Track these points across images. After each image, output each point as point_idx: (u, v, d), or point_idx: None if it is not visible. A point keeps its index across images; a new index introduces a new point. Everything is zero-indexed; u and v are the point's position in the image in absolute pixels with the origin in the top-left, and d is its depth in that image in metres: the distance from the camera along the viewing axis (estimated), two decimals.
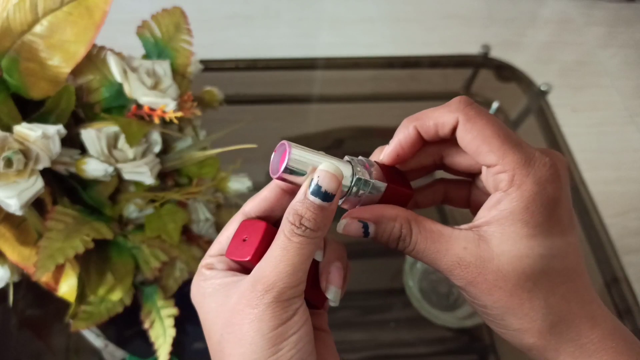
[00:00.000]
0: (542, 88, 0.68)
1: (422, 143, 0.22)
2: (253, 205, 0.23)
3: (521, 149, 0.19)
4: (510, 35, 1.43)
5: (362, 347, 0.48)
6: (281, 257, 0.19)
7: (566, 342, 0.19)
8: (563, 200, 0.19)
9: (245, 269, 0.22)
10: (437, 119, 0.21)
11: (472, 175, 0.24)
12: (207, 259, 0.23)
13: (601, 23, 1.49)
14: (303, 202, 0.19)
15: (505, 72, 0.72)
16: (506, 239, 0.19)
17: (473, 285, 0.19)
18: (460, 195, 0.25)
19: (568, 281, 0.19)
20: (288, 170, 0.20)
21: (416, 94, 0.73)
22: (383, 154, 0.23)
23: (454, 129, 0.20)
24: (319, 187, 0.19)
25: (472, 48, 0.74)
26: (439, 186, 0.25)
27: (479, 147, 0.20)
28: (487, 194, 0.21)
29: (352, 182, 0.21)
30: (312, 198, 0.19)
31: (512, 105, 0.70)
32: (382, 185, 0.22)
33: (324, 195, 0.19)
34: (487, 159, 0.19)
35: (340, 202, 0.22)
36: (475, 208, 0.24)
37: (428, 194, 0.25)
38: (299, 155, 0.20)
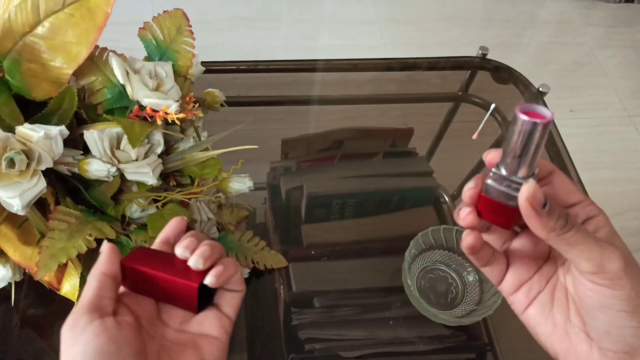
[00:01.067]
0: (540, 89, 0.68)
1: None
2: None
3: None
4: (509, 36, 1.43)
5: (361, 345, 0.48)
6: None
7: None
8: None
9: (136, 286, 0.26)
10: (542, 164, 0.25)
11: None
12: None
13: (599, 24, 1.49)
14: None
15: (503, 73, 0.72)
16: (616, 246, 0.23)
17: (631, 266, 0.22)
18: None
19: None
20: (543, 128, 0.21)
21: (415, 95, 0.74)
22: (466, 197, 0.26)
23: (548, 174, 0.26)
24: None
25: (470, 50, 0.74)
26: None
27: (571, 188, 0.25)
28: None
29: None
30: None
31: (510, 106, 0.70)
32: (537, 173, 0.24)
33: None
34: (576, 196, 0.25)
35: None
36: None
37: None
38: (546, 134, 0.22)
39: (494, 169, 0.23)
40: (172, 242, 0.28)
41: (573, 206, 0.25)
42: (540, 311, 0.26)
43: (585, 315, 0.24)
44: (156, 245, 0.28)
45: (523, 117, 0.21)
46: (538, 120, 0.21)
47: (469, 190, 0.25)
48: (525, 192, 0.22)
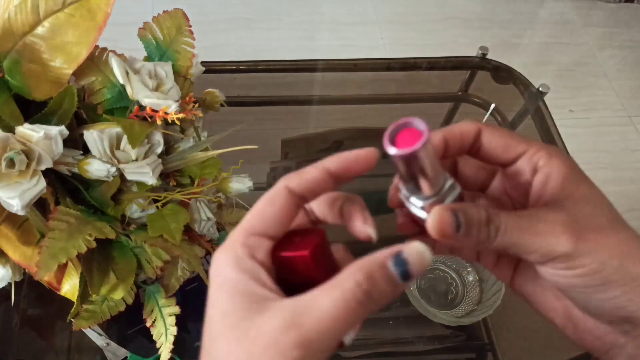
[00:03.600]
0: (540, 89, 0.68)
1: (444, 153, 0.22)
2: (299, 185, 0.20)
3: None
4: (508, 36, 1.43)
5: (361, 345, 0.48)
6: (330, 315, 0.16)
7: None
8: None
9: (287, 274, 0.19)
10: (461, 127, 0.22)
11: (478, 189, 0.25)
12: (247, 237, 0.19)
13: (599, 24, 1.49)
14: (382, 271, 0.17)
15: (503, 73, 0.72)
16: (576, 198, 0.20)
17: (580, 240, 0.19)
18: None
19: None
20: (417, 156, 0.18)
21: (414, 95, 0.74)
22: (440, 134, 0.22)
23: (476, 135, 0.22)
24: (406, 267, 0.17)
25: (470, 50, 0.74)
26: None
27: (506, 142, 0.22)
28: (502, 197, 0.23)
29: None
30: (392, 270, 0.17)
31: (510, 106, 0.70)
32: (458, 188, 0.21)
33: (406, 277, 0.17)
34: (518, 148, 0.22)
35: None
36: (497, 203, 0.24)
37: None
38: (427, 154, 0.18)
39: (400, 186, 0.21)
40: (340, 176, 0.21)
41: (516, 161, 0.22)
42: (524, 279, 0.24)
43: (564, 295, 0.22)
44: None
45: (391, 149, 0.18)
46: (405, 151, 0.18)
47: (391, 194, 0.22)
48: (430, 225, 0.19)
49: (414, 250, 0.17)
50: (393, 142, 0.19)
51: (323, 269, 0.19)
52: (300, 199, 0.20)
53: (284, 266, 0.19)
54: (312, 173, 0.20)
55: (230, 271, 0.18)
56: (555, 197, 0.20)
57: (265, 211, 0.19)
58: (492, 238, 0.19)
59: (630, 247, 0.19)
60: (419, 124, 0.18)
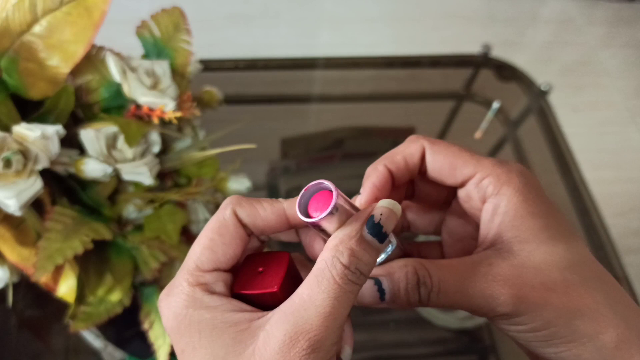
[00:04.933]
0: (543, 88, 0.68)
1: (392, 182, 0.20)
2: (248, 216, 0.18)
3: (488, 157, 0.19)
4: (511, 35, 1.43)
5: (362, 348, 0.48)
6: (331, 307, 0.15)
7: None
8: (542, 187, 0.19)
9: (254, 303, 0.18)
10: (404, 152, 0.20)
11: (442, 205, 0.23)
12: (198, 274, 0.17)
13: (602, 23, 1.48)
14: (359, 242, 0.16)
15: (506, 71, 0.72)
16: (526, 239, 0.18)
17: (522, 300, 0.17)
18: (427, 222, 0.23)
19: (590, 259, 0.19)
20: (331, 213, 0.16)
21: (416, 93, 0.73)
22: (359, 201, 0.21)
23: (422, 157, 0.20)
24: (379, 226, 0.16)
25: (472, 48, 0.74)
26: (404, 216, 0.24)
27: (452, 163, 0.19)
28: (463, 216, 0.21)
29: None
30: (369, 238, 0.16)
31: (513, 105, 0.70)
32: (399, 247, 0.19)
33: (382, 236, 0.16)
34: (464, 171, 0.19)
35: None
36: (450, 233, 0.23)
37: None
38: (342, 200, 0.17)
39: None
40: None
41: (465, 184, 0.20)
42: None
43: None
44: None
45: (303, 218, 0.17)
46: (314, 217, 0.17)
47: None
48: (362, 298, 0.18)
49: (383, 208, 0.17)
50: (306, 208, 0.17)
51: (292, 292, 0.17)
52: (249, 232, 0.18)
53: (248, 301, 0.17)
54: (266, 210, 0.18)
55: (200, 313, 0.16)
56: (503, 237, 0.18)
57: (216, 244, 0.17)
58: (425, 300, 0.18)
59: (583, 303, 0.17)
60: (328, 185, 0.17)
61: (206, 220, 0.41)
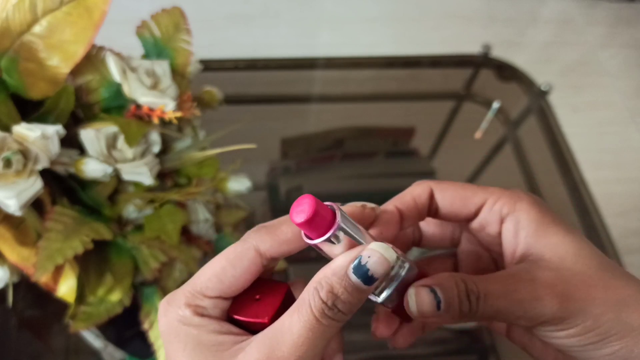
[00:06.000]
0: (543, 88, 0.68)
1: (401, 224, 0.21)
2: (272, 248, 0.19)
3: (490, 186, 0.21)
4: (511, 35, 1.43)
5: (362, 348, 0.48)
6: (305, 338, 0.16)
7: None
8: None
9: (246, 328, 0.19)
10: (412, 192, 0.21)
11: (453, 244, 0.24)
12: (198, 298, 0.18)
13: (602, 23, 1.48)
14: (343, 281, 0.16)
15: (506, 71, 0.72)
16: (554, 245, 0.18)
17: (569, 299, 0.17)
18: (440, 236, 0.24)
19: (616, 264, 0.19)
20: (332, 240, 0.17)
21: (417, 93, 0.73)
22: (387, 210, 0.21)
23: (429, 197, 0.21)
24: (366, 269, 0.16)
25: (472, 48, 0.74)
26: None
27: (462, 195, 0.20)
28: (477, 249, 0.22)
29: (395, 262, 0.18)
30: (353, 278, 0.16)
31: (513, 105, 0.70)
32: (414, 268, 0.19)
33: (369, 279, 0.16)
34: (475, 200, 0.20)
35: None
36: (466, 269, 0.23)
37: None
38: (346, 224, 0.17)
39: None
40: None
41: (478, 213, 0.20)
42: (520, 332, 0.22)
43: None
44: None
45: (305, 239, 0.17)
46: (313, 240, 0.17)
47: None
48: (411, 307, 0.18)
49: (374, 251, 0.17)
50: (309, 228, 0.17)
51: None
52: (268, 261, 0.19)
53: (240, 324, 0.18)
54: (287, 235, 0.18)
55: (189, 328, 0.17)
56: (531, 249, 0.19)
57: (226, 275, 0.18)
58: (475, 308, 0.18)
59: (623, 294, 0.18)
60: (334, 208, 0.17)
61: (206, 220, 0.41)
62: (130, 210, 0.38)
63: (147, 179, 0.36)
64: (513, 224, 0.19)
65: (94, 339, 0.45)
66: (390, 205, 0.21)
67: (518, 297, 0.18)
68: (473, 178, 0.66)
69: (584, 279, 0.18)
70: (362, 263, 0.17)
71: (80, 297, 0.36)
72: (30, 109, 0.35)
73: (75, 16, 0.34)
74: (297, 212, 0.16)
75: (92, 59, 0.37)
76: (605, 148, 1.22)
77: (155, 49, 0.39)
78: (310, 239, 0.17)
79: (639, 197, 1.13)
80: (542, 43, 1.42)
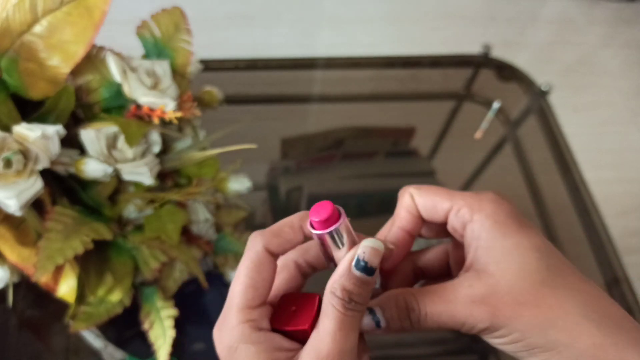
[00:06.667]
0: (543, 88, 0.68)
1: (412, 240, 0.24)
2: (279, 247, 0.21)
3: (465, 192, 0.22)
4: (511, 35, 1.43)
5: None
6: (339, 333, 0.19)
7: (617, 329, 0.18)
8: (516, 208, 0.21)
9: (288, 337, 0.21)
10: (402, 205, 0.23)
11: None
12: (247, 312, 0.20)
13: (602, 23, 1.48)
14: (349, 278, 0.19)
15: (506, 71, 0.72)
16: (499, 259, 0.20)
17: (497, 315, 0.19)
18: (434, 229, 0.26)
19: (566, 270, 0.20)
20: (334, 234, 0.20)
21: (417, 93, 0.73)
22: (394, 235, 0.23)
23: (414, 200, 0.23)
24: (364, 262, 0.19)
25: (472, 48, 0.74)
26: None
27: (433, 201, 0.22)
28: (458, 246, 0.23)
29: None
30: (357, 273, 0.19)
31: (513, 105, 0.70)
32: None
33: (369, 270, 0.19)
34: (443, 206, 0.22)
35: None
36: (456, 264, 0.25)
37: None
38: (347, 225, 0.20)
39: None
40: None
41: (447, 218, 0.22)
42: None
43: None
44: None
45: (313, 231, 0.20)
46: (325, 231, 0.20)
47: None
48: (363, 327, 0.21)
49: (366, 247, 0.20)
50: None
51: None
52: (277, 257, 0.21)
53: (284, 334, 0.21)
54: (290, 235, 0.21)
55: (248, 346, 0.19)
56: (479, 259, 0.20)
57: (257, 282, 0.20)
58: (416, 324, 0.20)
59: (553, 314, 0.19)
60: (339, 208, 0.20)
61: (206, 221, 0.41)
62: (131, 210, 0.38)
63: (148, 179, 0.36)
64: (469, 232, 0.21)
65: (94, 339, 0.45)
66: (395, 229, 0.23)
67: (454, 314, 0.20)
68: (473, 178, 0.66)
69: (517, 295, 0.19)
70: (360, 259, 0.19)
71: (81, 297, 0.36)
72: (30, 109, 0.35)
73: (76, 16, 0.34)
74: (318, 211, 0.20)
75: (93, 59, 0.37)
76: (605, 148, 1.22)
77: (155, 49, 0.39)
78: (321, 231, 0.20)
79: (638, 197, 1.13)
80: (542, 43, 1.42)
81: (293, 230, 0.21)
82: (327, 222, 0.20)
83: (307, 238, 0.22)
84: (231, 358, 0.19)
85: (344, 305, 0.19)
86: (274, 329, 0.21)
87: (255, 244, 0.21)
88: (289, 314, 0.21)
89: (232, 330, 0.20)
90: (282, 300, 0.22)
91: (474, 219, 0.21)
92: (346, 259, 0.20)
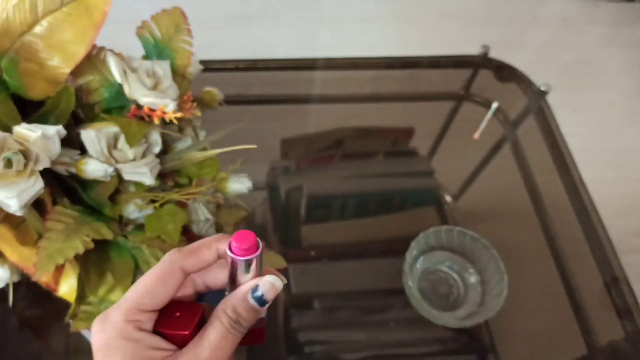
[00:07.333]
0: (542, 88, 0.68)
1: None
2: (193, 265, 0.23)
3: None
4: (510, 35, 1.43)
5: (362, 347, 0.48)
6: (220, 344, 0.21)
7: None
8: None
9: (168, 339, 0.23)
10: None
11: None
12: (136, 313, 0.22)
13: (602, 23, 1.48)
14: (244, 303, 0.22)
15: (505, 72, 0.72)
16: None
17: None
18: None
19: None
20: (248, 262, 0.22)
21: (416, 94, 0.73)
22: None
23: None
24: (261, 294, 0.22)
25: (471, 48, 0.74)
26: None
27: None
28: None
29: None
30: (252, 302, 0.22)
31: (512, 105, 0.70)
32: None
33: (262, 302, 0.23)
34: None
35: None
36: None
37: None
38: (261, 258, 0.23)
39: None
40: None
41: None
42: None
43: None
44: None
45: (230, 254, 0.22)
46: (246, 258, 0.22)
47: None
48: None
49: (267, 282, 0.22)
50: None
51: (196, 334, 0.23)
52: (187, 275, 0.23)
53: (164, 337, 0.23)
54: (206, 255, 0.23)
55: (127, 342, 0.21)
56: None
57: (157, 290, 0.22)
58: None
59: None
60: (258, 241, 0.22)
61: (207, 220, 0.41)
62: (131, 210, 0.38)
63: (148, 179, 0.36)
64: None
65: None
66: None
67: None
68: (472, 178, 0.66)
69: None
70: (259, 292, 0.22)
71: (81, 296, 0.36)
72: (30, 109, 0.35)
73: (76, 16, 0.34)
74: (241, 239, 0.22)
75: (93, 59, 0.37)
76: (605, 148, 1.22)
77: (155, 50, 0.39)
78: (238, 257, 0.22)
79: (638, 197, 1.13)
80: (542, 43, 1.42)
81: (209, 251, 0.23)
82: (246, 251, 0.22)
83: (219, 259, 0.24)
84: (108, 350, 0.21)
85: (231, 324, 0.22)
86: (156, 330, 0.22)
87: (171, 258, 0.22)
88: (173, 318, 0.23)
89: (116, 324, 0.21)
90: (169, 306, 0.23)
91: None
92: (247, 285, 0.22)
